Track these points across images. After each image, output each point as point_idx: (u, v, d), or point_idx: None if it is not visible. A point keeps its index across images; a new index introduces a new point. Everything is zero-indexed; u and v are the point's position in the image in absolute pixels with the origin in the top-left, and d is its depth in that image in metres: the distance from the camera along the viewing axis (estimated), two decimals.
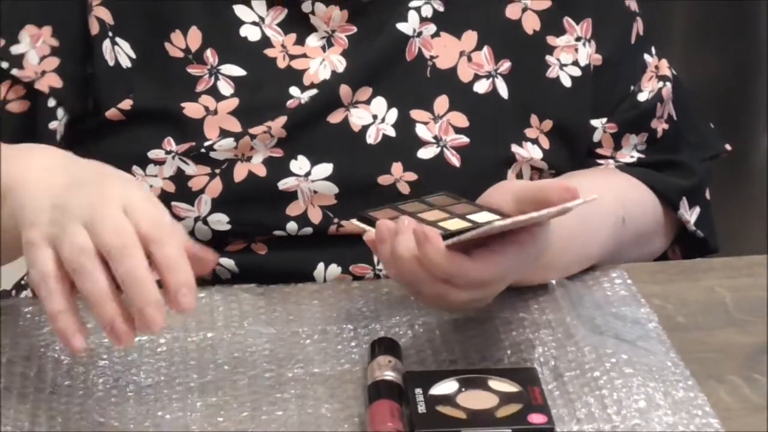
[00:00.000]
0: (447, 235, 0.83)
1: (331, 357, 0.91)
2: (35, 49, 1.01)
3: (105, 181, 0.85)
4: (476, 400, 0.82)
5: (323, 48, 1.04)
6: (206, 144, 1.00)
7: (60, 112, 1.02)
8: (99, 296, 0.76)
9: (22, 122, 1.02)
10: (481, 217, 0.88)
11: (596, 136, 1.08)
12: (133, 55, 1.03)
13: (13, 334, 0.93)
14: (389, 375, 0.84)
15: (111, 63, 1.02)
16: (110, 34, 1.02)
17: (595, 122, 1.08)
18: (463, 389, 0.83)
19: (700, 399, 0.83)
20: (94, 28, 1.01)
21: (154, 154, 1.01)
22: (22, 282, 1.13)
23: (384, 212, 0.90)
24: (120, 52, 1.02)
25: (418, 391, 0.82)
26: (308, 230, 1.02)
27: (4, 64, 1.01)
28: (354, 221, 0.93)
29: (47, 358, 0.90)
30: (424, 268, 0.83)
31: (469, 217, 0.88)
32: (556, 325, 0.95)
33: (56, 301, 0.76)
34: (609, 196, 1.04)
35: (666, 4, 1.75)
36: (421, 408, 0.80)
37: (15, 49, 1.01)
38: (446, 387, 0.83)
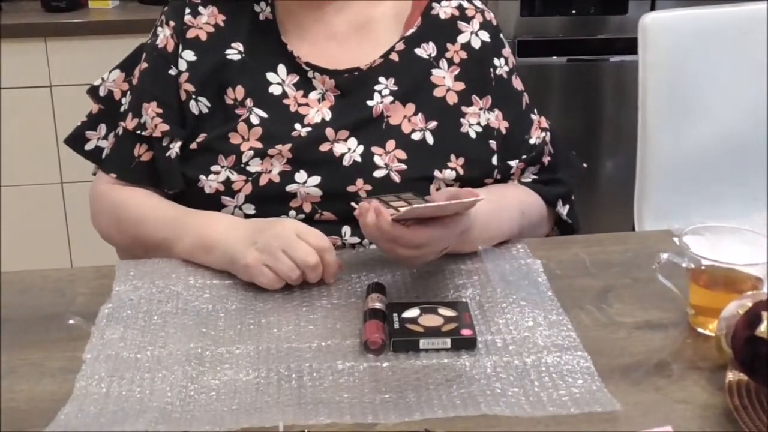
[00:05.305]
0: (395, 214, 1.05)
1: (344, 294, 1.13)
2: (148, 115, 1.29)
3: (275, 224, 1.15)
4: (430, 320, 1.03)
5: (318, 100, 1.27)
6: (244, 161, 1.23)
7: (173, 144, 1.28)
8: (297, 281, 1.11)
9: (150, 165, 1.29)
10: None
11: (512, 170, 1.33)
12: (209, 104, 1.28)
13: (150, 279, 1.17)
14: (378, 305, 1.05)
15: (196, 113, 1.28)
16: (194, 96, 1.28)
17: (512, 163, 1.32)
18: (423, 314, 1.04)
19: (566, 321, 1.07)
20: (183, 95, 1.29)
21: (214, 168, 1.26)
22: None
23: (371, 200, 1.11)
24: (201, 105, 1.28)
25: (395, 315, 1.04)
26: (302, 216, 1.24)
27: (140, 132, 1.29)
28: (353, 204, 1.16)
29: (172, 292, 1.14)
30: (379, 232, 1.06)
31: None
32: (482, 274, 1.17)
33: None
34: (513, 200, 1.27)
35: (545, 80, 2.57)
36: (396, 325, 1.02)
37: (142, 120, 1.29)
38: (412, 312, 1.04)
